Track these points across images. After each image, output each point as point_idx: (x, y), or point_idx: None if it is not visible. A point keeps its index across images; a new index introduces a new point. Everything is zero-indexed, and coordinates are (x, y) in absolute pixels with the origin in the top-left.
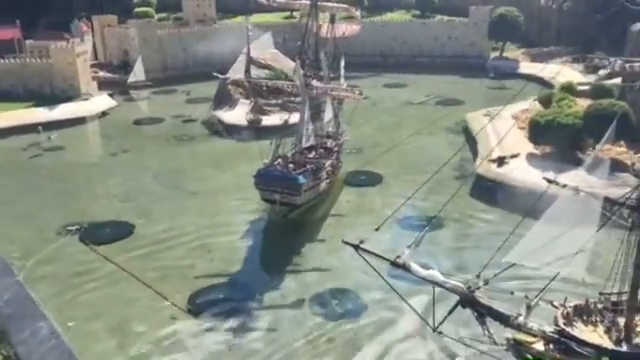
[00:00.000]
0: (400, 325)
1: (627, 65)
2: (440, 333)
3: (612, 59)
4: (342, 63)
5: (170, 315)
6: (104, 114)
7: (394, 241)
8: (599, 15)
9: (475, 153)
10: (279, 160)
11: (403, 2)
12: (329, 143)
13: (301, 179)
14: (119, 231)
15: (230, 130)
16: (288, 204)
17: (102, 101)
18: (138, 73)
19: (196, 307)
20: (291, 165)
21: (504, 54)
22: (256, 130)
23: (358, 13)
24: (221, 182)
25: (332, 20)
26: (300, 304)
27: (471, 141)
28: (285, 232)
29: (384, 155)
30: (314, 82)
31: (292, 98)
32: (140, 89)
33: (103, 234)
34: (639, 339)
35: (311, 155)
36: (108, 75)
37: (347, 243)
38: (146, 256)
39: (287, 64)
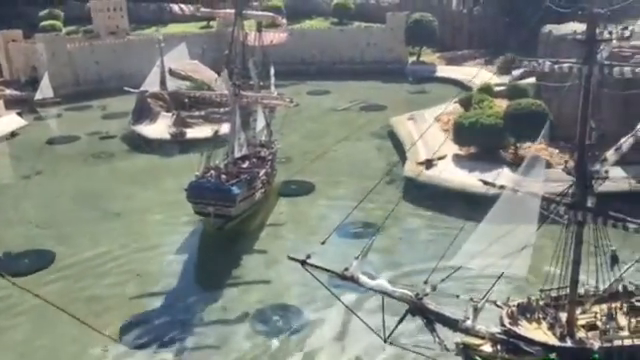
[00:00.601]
0: (349, 338)
1: (556, 66)
2: (391, 343)
3: (541, 60)
4: (272, 71)
5: (102, 348)
6: (13, 134)
7: (335, 251)
8: (507, 18)
9: (403, 157)
10: (211, 172)
11: (320, 10)
12: (263, 152)
13: (235, 189)
14: (39, 260)
15: (152, 145)
16: (223, 216)
17: (10, 121)
18: (45, 89)
19: (130, 336)
20: (224, 176)
21: (421, 58)
22: (180, 143)
23: (284, 21)
24: (146, 200)
25: (259, 28)
26: (243, 319)
27: (398, 145)
28: (221, 245)
29: (313, 163)
30: (245, 92)
31: (216, 109)
32: (49, 106)
33: (21, 265)
34: (581, 333)
35: (245, 165)
36: (15, 93)
37: (293, 259)
38: (71, 286)
39: (208, 75)
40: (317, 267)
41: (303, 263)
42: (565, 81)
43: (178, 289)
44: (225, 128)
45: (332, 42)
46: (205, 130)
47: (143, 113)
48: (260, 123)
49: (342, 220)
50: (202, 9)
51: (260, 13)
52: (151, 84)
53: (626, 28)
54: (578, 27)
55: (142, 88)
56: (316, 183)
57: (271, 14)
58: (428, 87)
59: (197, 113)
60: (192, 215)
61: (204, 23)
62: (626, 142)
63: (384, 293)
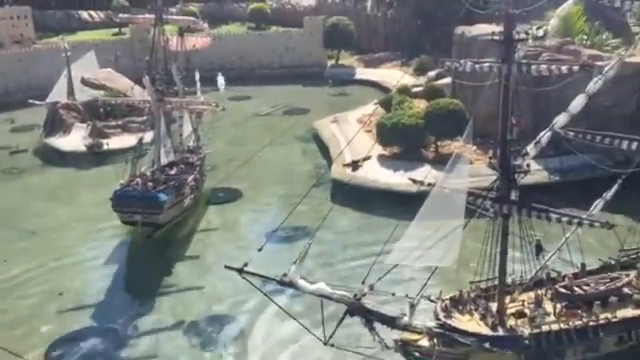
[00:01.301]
0: (288, 343)
1: (477, 66)
2: (332, 346)
3: (462, 61)
4: (197, 76)
5: None
6: None
7: (267, 257)
8: (420, 21)
9: (329, 159)
10: (137, 180)
11: (236, 15)
12: (191, 158)
13: (162, 196)
14: None
15: (67, 158)
16: (151, 224)
17: None
18: None
19: (57, 358)
20: (150, 183)
21: (340, 62)
22: (97, 155)
23: (206, 25)
24: (63, 216)
25: (181, 33)
26: (178, 329)
27: (323, 148)
28: (151, 254)
29: (239, 169)
30: (170, 97)
31: (134, 118)
32: None
33: None
34: (512, 321)
35: (172, 171)
36: None
37: (230, 268)
38: None
39: (123, 83)
40: (255, 274)
41: (241, 271)
42: (481, 80)
43: (106, 303)
44: (149, 136)
45: (250, 47)
46: (124, 140)
47: (55, 125)
48: (187, 129)
49: (277, 226)
50: (120, 15)
51: (181, 18)
52: (58, 95)
53: (540, 28)
54: (488, 28)
55: (49, 100)
56: (243, 190)
57: (192, 18)
58: (348, 89)
59: (114, 123)
60: (117, 227)
61: (116, 30)
62: (544, 136)
63: (323, 296)
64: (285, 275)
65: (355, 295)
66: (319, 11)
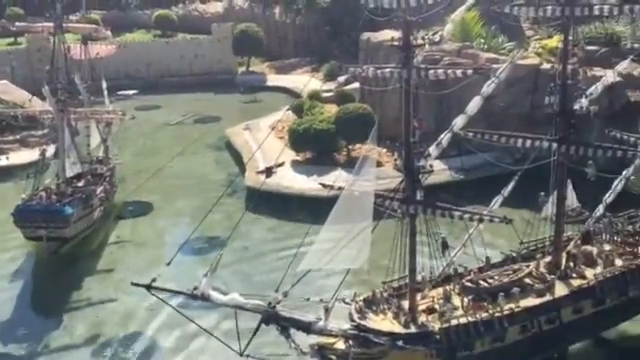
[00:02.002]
0: (205, 357)
1: (378, 71)
2: (248, 356)
3: (365, 66)
4: (104, 85)
5: None
6: None
7: (182, 270)
8: (328, 27)
9: (242, 167)
10: (41, 193)
11: (141, 22)
12: (100, 169)
13: (68, 209)
14: None
15: None
16: (57, 238)
17: None
18: None
19: None
20: (55, 196)
21: (251, 68)
22: None
23: (109, 33)
24: None
25: (85, 41)
26: (88, 349)
27: (236, 155)
28: (59, 270)
29: (149, 181)
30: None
31: (33, 132)
32: None
33: None
34: (423, 318)
35: (80, 183)
36: None
37: (137, 285)
38: None
39: (19, 95)
40: (164, 290)
41: (149, 288)
42: (386, 85)
43: (11, 322)
44: (52, 149)
45: (158, 55)
46: (23, 155)
47: None
48: (95, 139)
49: (186, 239)
50: (17, 24)
51: (82, 26)
52: None
53: (436, 33)
54: (393, 34)
55: None
56: (154, 202)
57: (94, 26)
58: (260, 96)
59: (11, 137)
60: (17, 246)
61: (11, 39)
62: (445, 137)
63: (237, 307)
64: (196, 288)
65: (269, 303)
66: (227, 18)
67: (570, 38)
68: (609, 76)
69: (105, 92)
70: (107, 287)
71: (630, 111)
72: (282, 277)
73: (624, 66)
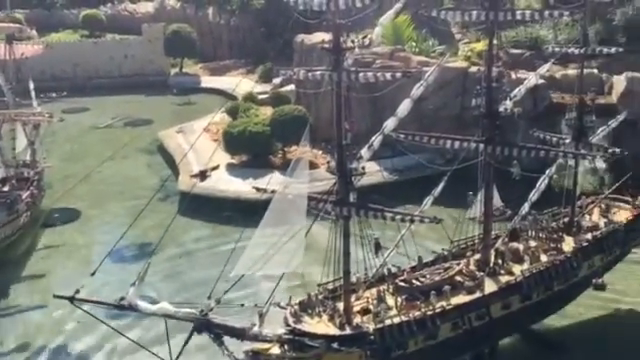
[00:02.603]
0: None
1: (309, 74)
2: None
3: (296, 69)
4: (31, 86)
5: None
6: None
7: (112, 279)
8: (262, 29)
9: (175, 171)
10: None
11: (68, 22)
12: (26, 173)
13: None
14: None
15: None
16: None
17: None
18: None
19: None
20: None
21: (184, 70)
22: None
23: (34, 32)
24: None
25: (9, 41)
26: (18, 355)
27: (169, 159)
28: None
29: (77, 187)
30: None
31: None
32: None
33: None
34: (358, 319)
35: (5, 188)
36: None
37: (60, 297)
38: None
39: None
40: (88, 301)
41: (72, 300)
42: (319, 87)
43: None
44: None
45: (85, 56)
46: None
47: None
48: (21, 142)
49: (111, 248)
50: None
51: (5, 25)
52: None
53: (366, 37)
54: (326, 36)
55: None
56: (82, 209)
57: (17, 25)
58: (194, 98)
59: None
60: None
61: None
62: (376, 140)
63: (167, 316)
64: (123, 298)
65: (201, 311)
66: (158, 18)
67: (495, 42)
68: (532, 79)
69: (33, 94)
70: (34, 296)
71: (553, 112)
72: (214, 283)
73: (546, 69)
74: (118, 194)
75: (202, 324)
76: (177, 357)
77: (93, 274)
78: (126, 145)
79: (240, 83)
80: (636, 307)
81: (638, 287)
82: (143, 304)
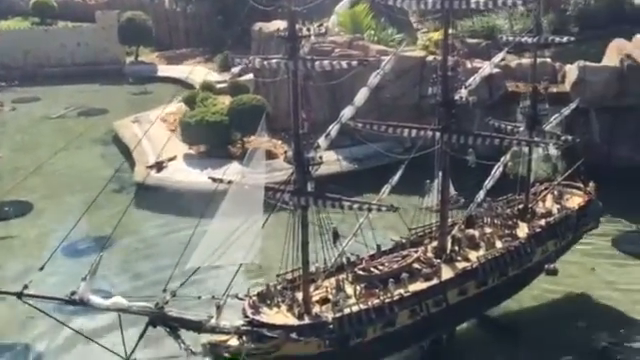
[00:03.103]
0: None
1: (265, 62)
2: None
3: (251, 57)
4: None
5: None
6: None
7: (65, 274)
8: (220, 16)
9: (131, 162)
10: None
11: (17, 9)
12: None
13: None
14: None
15: None
16: None
17: None
18: None
19: None
20: None
21: (140, 58)
22: None
23: None
24: None
25: None
26: None
27: (124, 150)
28: None
29: (29, 179)
30: None
31: None
32: None
33: None
34: (317, 308)
35: None
36: None
37: (6, 293)
38: None
39: None
40: (37, 297)
41: (20, 296)
42: (277, 76)
43: None
44: None
45: (36, 43)
46: None
47: None
48: None
49: (61, 241)
50: None
51: None
52: None
53: (322, 25)
54: (283, 24)
55: None
56: (34, 202)
57: None
58: (150, 87)
59: None
60: None
61: None
62: (333, 128)
63: (121, 310)
64: (74, 293)
65: (156, 304)
66: (112, 5)
67: (451, 31)
68: (486, 68)
69: None
70: None
71: (508, 101)
72: (169, 276)
73: (500, 58)
74: (71, 186)
75: (157, 318)
76: (132, 352)
77: (42, 269)
78: (80, 135)
79: (198, 72)
80: (587, 291)
81: (589, 272)
82: (95, 299)
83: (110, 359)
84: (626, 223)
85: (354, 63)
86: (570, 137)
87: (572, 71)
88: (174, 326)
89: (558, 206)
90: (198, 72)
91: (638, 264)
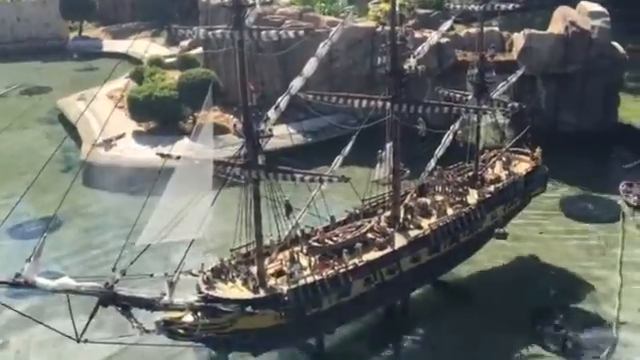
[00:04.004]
0: (38, 348)
1: (210, 33)
2: (86, 341)
3: (195, 28)
4: None
5: None
6: None
7: (11, 257)
8: None
9: (78, 140)
10: None
11: None
12: None
13: None
14: None
15: None
16: None
17: None
18: None
19: None
20: None
21: (84, 33)
22: None
23: None
24: None
25: None
26: None
27: (70, 128)
28: None
29: None
30: None
31: None
32: None
33: None
34: (272, 281)
35: None
36: None
37: None
38: None
39: None
40: None
41: None
42: (226, 48)
43: None
44: None
45: None
46: None
47: None
48: None
49: (1, 223)
50: None
51: None
52: None
53: None
54: None
55: None
56: None
57: None
58: (96, 63)
59: None
60: None
61: None
62: (283, 100)
63: (69, 291)
64: (19, 275)
65: (106, 284)
66: None
67: (399, 1)
68: (434, 36)
69: None
70: None
71: (458, 70)
72: (119, 254)
73: (447, 26)
74: (15, 167)
75: (107, 297)
76: (82, 332)
77: None
78: (23, 115)
79: (145, 47)
80: (535, 254)
81: (537, 235)
82: (42, 280)
83: (61, 342)
84: (572, 187)
85: (301, 33)
86: (517, 104)
87: (519, 39)
88: (125, 305)
89: (506, 172)
90: (145, 47)
91: (583, 227)
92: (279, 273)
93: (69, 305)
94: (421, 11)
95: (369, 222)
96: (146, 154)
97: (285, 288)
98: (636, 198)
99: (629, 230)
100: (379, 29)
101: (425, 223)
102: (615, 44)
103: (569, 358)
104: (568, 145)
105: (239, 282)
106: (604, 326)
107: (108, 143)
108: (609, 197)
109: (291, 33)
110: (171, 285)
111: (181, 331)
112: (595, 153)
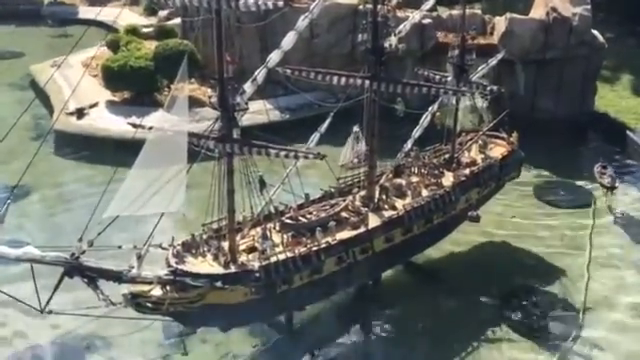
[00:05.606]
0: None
1: (186, 1)
2: (50, 312)
3: None
4: None
5: None
6: None
7: None
8: None
9: (50, 108)
10: None
11: None
12: None
13: None
14: None
15: None
16: None
17: None
18: None
19: None
20: None
21: None
22: None
23: None
24: None
25: None
26: None
27: (42, 95)
28: None
29: None
30: None
31: None
32: None
33: None
34: (244, 257)
35: None
36: None
37: None
38: None
39: None
40: None
41: None
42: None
43: None
44: None
45: None
46: None
47: None
48: None
49: None
50: None
51: None
52: None
53: None
54: None
55: None
56: None
57: None
58: (71, 30)
59: None
60: None
61: None
62: (260, 73)
63: (33, 261)
64: None
65: (72, 254)
66: None
67: None
68: (416, 15)
69: None
70: None
71: (439, 52)
72: (86, 225)
73: (430, 4)
74: None
75: (73, 268)
76: (47, 303)
77: None
78: None
79: (124, 15)
80: (507, 238)
81: (510, 219)
82: (4, 249)
83: (25, 314)
84: (546, 173)
85: (280, 4)
86: (495, 87)
87: (500, 23)
88: (92, 277)
89: (482, 156)
90: (124, 15)
91: (556, 212)
92: (251, 249)
93: (33, 275)
94: None
95: (344, 201)
96: (119, 124)
97: (256, 264)
98: (610, 180)
99: (600, 215)
100: (361, 7)
101: (400, 204)
102: (595, 32)
103: (537, 340)
104: (544, 131)
105: (210, 257)
106: (571, 310)
107: (81, 112)
108: (582, 183)
109: (270, 3)
110: (139, 258)
111: (149, 305)
112: (570, 140)
